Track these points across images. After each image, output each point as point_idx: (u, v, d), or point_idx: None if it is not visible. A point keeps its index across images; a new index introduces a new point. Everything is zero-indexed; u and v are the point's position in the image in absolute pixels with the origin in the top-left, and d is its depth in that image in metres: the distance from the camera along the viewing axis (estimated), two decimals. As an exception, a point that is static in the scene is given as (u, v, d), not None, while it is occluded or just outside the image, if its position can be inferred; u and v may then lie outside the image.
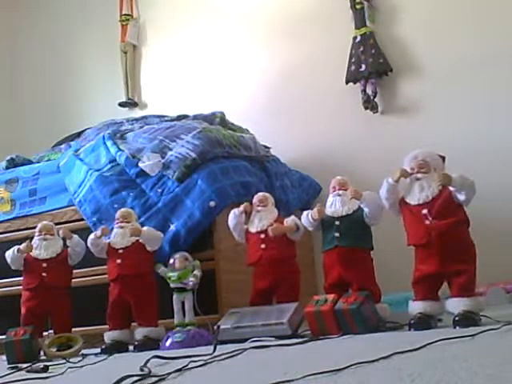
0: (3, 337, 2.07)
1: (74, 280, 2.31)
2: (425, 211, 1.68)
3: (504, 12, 3.02)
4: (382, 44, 3.25)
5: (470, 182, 1.67)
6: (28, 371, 1.64)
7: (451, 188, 1.68)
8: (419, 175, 1.73)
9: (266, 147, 3.06)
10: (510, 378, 0.85)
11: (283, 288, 2.04)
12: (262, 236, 2.06)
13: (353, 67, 3.25)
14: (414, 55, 3.22)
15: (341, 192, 1.93)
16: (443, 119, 3.08)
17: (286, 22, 3.60)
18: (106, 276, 2.18)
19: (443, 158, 1.80)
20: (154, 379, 1.18)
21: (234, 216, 2.13)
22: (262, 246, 2.05)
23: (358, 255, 1.88)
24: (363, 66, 3.21)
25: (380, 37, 3.27)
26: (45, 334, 2.23)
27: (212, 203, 2.31)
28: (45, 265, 2.21)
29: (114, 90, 4.11)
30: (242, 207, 2.12)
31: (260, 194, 2.19)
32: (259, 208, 2.12)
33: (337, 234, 1.88)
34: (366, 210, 1.87)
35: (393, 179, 1.75)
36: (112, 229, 2.21)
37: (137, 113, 3.95)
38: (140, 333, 2.06)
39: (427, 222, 1.67)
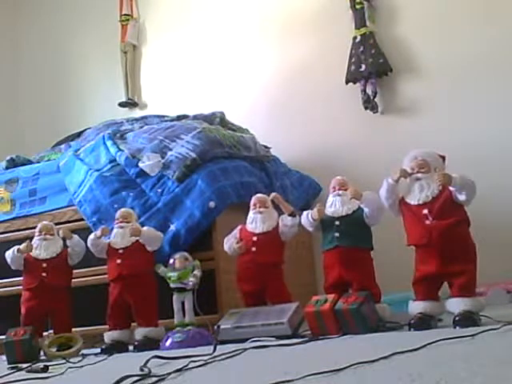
0: (3, 337, 2.08)
1: (74, 280, 2.31)
2: (425, 211, 1.68)
3: (504, 12, 3.02)
4: (382, 44, 3.25)
5: (470, 183, 1.67)
6: (28, 371, 1.64)
7: (452, 188, 1.68)
8: (419, 175, 1.73)
9: (266, 147, 3.06)
10: (510, 377, 0.85)
11: (270, 291, 2.05)
12: (255, 238, 2.07)
13: (353, 67, 3.25)
14: (413, 55, 3.22)
15: (341, 192, 1.93)
16: (443, 119, 3.08)
17: (286, 22, 3.60)
18: (106, 276, 2.18)
19: (443, 158, 1.80)
20: (153, 379, 1.18)
21: (229, 244, 2.13)
22: (253, 248, 2.06)
23: (358, 255, 1.88)
24: (363, 66, 3.21)
25: (380, 37, 3.27)
26: (45, 334, 2.23)
27: (212, 204, 2.31)
28: (45, 265, 2.21)
29: (114, 90, 4.11)
30: (237, 246, 2.10)
31: (259, 195, 2.19)
32: (261, 209, 2.12)
33: (337, 234, 1.88)
34: (365, 210, 1.87)
35: (392, 179, 1.75)
36: (112, 229, 2.21)
37: (137, 113, 3.95)
38: (140, 333, 2.06)
39: (427, 222, 1.67)
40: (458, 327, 1.55)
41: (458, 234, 1.67)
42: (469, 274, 1.65)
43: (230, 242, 2.12)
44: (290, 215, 2.07)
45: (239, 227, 2.14)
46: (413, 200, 1.72)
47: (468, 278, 1.65)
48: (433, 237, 1.66)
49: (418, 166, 1.74)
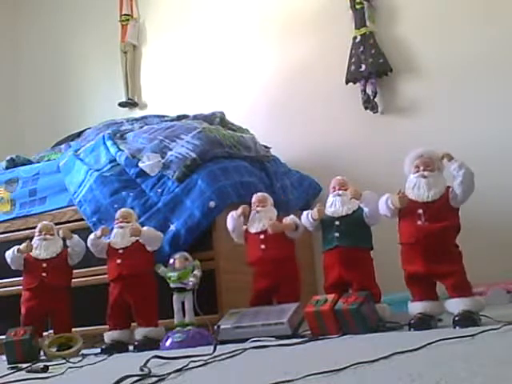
0: (3, 337, 2.08)
1: (74, 280, 2.31)
2: (420, 211, 1.68)
3: (504, 12, 3.02)
4: (382, 44, 3.25)
5: (469, 170, 1.68)
6: (28, 371, 1.64)
7: (451, 165, 1.68)
8: (425, 173, 1.72)
9: (266, 147, 3.06)
10: (510, 377, 0.85)
11: (283, 288, 2.03)
12: (262, 236, 2.06)
13: (353, 67, 3.25)
14: (413, 55, 3.22)
15: (341, 192, 1.93)
16: (443, 119, 3.08)
17: (286, 22, 3.60)
18: (106, 276, 2.18)
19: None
20: (153, 379, 1.18)
21: (232, 219, 2.13)
22: (262, 246, 2.05)
23: (358, 255, 1.88)
24: (363, 66, 3.21)
25: (380, 37, 3.27)
26: (45, 334, 2.23)
27: (212, 204, 2.31)
28: (45, 265, 2.21)
29: (114, 90, 4.11)
30: (240, 209, 2.12)
31: (259, 194, 2.19)
32: (258, 208, 2.12)
33: (337, 234, 1.88)
34: (365, 209, 1.87)
35: (393, 205, 1.72)
36: (112, 229, 2.21)
37: (137, 113, 3.95)
38: (140, 333, 2.06)
39: (419, 223, 1.67)
40: (457, 327, 1.55)
41: (445, 239, 1.67)
42: (457, 274, 1.65)
43: (232, 217, 2.11)
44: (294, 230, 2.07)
45: (244, 227, 2.13)
46: (420, 198, 1.70)
47: (458, 277, 1.65)
48: (420, 237, 1.66)
49: (423, 164, 1.73)
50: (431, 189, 1.69)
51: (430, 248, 1.65)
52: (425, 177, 1.72)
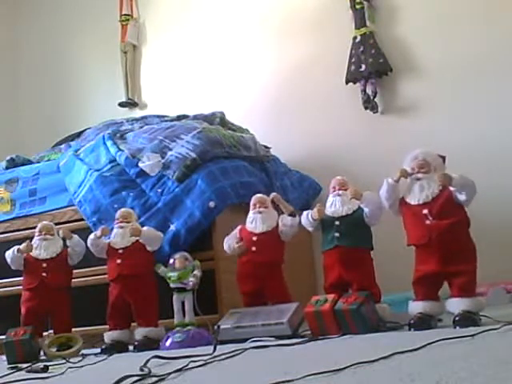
0: (3, 337, 2.08)
1: (74, 280, 2.31)
2: (425, 211, 1.68)
3: (504, 12, 3.02)
4: (382, 44, 3.25)
5: (470, 183, 1.67)
6: (28, 371, 1.64)
7: (452, 188, 1.68)
8: (419, 175, 1.73)
9: (266, 147, 3.06)
10: (510, 377, 0.85)
11: (270, 291, 2.04)
12: (254, 238, 2.07)
13: (353, 67, 3.25)
14: (413, 55, 3.22)
15: (341, 192, 1.93)
16: (443, 119, 3.08)
17: (285, 22, 3.60)
18: (106, 276, 2.18)
19: (443, 158, 1.81)
20: (154, 379, 1.18)
21: (228, 249, 2.12)
22: (253, 248, 2.06)
23: (358, 255, 1.88)
24: (363, 66, 3.21)
25: (380, 37, 3.27)
26: (45, 334, 2.24)
27: (211, 204, 2.31)
28: (45, 265, 2.21)
29: (114, 90, 4.11)
30: (237, 246, 2.10)
31: (258, 195, 2.18)
32: (261, 209, 2.12)
33: (337, 234, 1.88)
34: (365, 210, 1.87)
35: (393, 179, 1.75)
36: (112, 229, 2.21)
37: (137, 113, 3.95)
38: (140, 333, 2.06)
39: (428, 222, 1.67)
40: (457, 327, 1.55)
41: (458, 234, 1.67)
42: (469, 274, 1.65)
43: (229, 242, 2.12)
44: (289, 215, 2.07)
45: (239, 227, 2.14)
46: (413, 200, 1.72)
47: (468, 278, 1.65)
48: (433, 237, 1.66)
49: (418, 166, 1.74)
50: (423, 190, 1.70)
51: (444, 246, 1.65)
52: (418, 179, 1.72)
